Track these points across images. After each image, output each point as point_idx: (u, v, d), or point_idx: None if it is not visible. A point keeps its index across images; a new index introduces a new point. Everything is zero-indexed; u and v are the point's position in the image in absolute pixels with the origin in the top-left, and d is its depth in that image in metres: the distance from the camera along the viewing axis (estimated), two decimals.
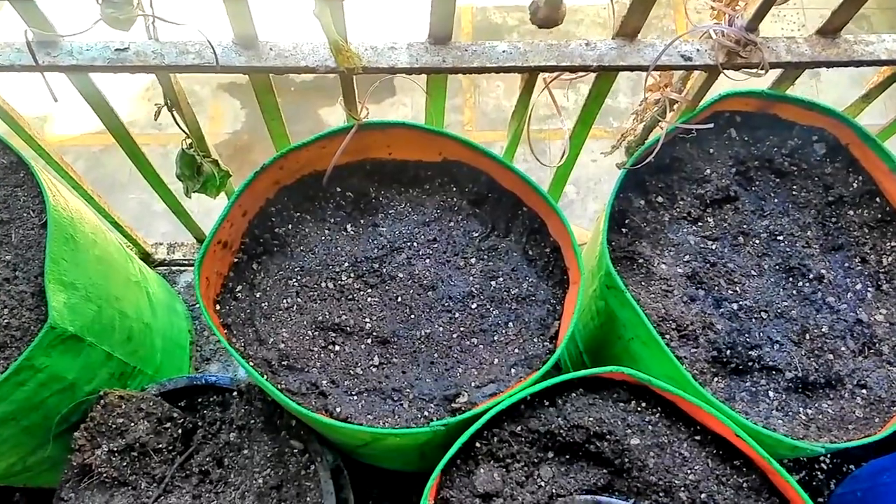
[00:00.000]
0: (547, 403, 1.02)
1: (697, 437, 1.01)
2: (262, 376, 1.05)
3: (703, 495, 0.96)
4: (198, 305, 1.78)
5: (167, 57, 1.03)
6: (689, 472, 0.98)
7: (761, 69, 1.10)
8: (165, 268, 1.79)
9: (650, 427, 1.00)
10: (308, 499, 1.17)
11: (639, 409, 1.01)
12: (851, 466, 1.57)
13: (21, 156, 1.13)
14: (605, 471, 1.01)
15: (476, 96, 3.14)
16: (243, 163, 3.03)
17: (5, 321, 1.05)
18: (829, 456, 1.59)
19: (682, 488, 0.97)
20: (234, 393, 1.26)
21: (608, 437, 0.99)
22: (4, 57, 1.01)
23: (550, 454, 1.02)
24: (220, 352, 1.74)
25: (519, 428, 1.01)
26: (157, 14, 0.95)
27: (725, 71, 1.12)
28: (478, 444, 1.01)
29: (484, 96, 3.15)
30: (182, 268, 1.79)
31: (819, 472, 1.58)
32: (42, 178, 1.12)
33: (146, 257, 1.78)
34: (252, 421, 1.23)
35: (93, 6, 0.93)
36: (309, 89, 3.10)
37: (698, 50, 1.11)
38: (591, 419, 0.99)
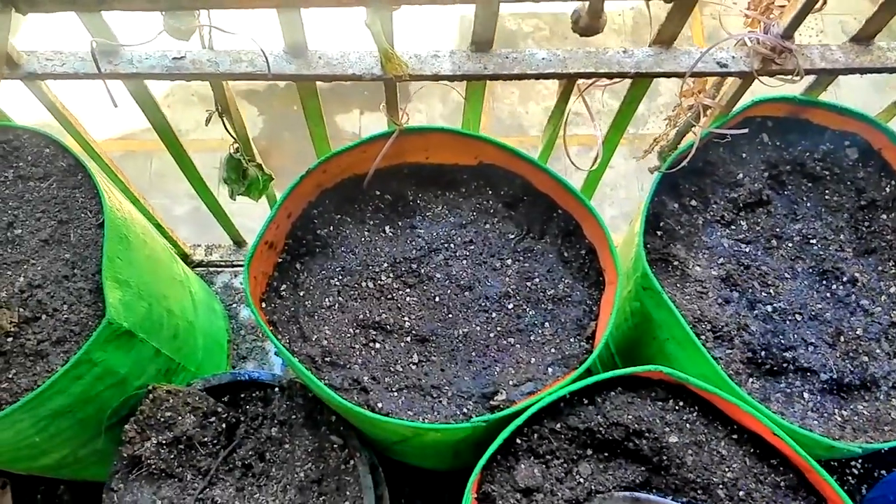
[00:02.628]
0: (586, 402, 1.05)
1: (734, 436, 1.02)
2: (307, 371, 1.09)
3: (741, 493, 0.98)
4: (234, 305, 1.83)
5: (221, 65, 1.07)
6: (726, 469, 0.99)
7: (796, 76, 1.12)
8: (203, 269, 1.84)
9: (688, 425, 1.02)
10: (348, 492, 1.20)
11: (676, 407, 1.03)
12: (883, 472, 1.57)
13: (79, 158, 1.19)
14: (643, 468, 1.03)
15: (491, 102, 3.15)
16: None
17: (65, 316, 1.10)
18: (860, 461, 1.59)
19: (720, 486, 0.99)
20: (276, 389, 1.29)
21: (646, 434, 1.01)
22: (69, 65, 1.06)
23: (589, 451, 1.04)
24: (255, 350, 1.78)
25: (558, 425, 1.03)
26: (214, 24, 0.99)
27: (760, 77, 1.14)
28: (518, 441, 1.04)
29: (499, 102, 3.16)
30: (219, 269, 1.84)
31: (850, 477, 1.58)
32: (98, 179, 1.17)
33: (185, 258, 1.83)
34: (293, 416, 1.26)
35: (154, 18, 0.98)
36: (326, 97, 3.15)
37: (734, 57, 1.13)
38: (629, 417, 1.02)
